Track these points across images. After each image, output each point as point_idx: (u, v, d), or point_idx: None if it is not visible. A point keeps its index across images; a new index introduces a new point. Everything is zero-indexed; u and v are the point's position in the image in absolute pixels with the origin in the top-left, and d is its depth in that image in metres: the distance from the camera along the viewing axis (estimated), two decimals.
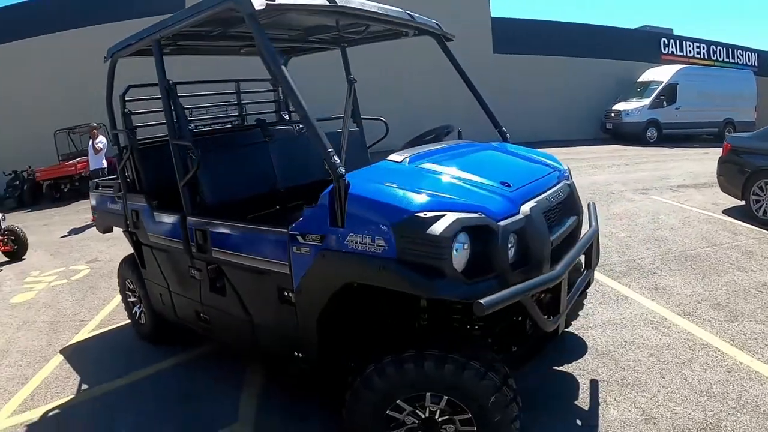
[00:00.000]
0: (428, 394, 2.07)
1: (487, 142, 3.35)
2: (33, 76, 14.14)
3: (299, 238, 2.29)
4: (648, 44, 19.61)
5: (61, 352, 4.10)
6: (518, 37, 17.61)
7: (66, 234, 8.58)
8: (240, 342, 3.06)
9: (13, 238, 6.95)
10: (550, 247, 2.29)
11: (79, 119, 12.55)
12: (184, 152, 2.97)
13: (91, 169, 9.66)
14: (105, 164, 9.50)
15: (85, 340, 4.32)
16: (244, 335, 2.87)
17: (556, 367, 3.23)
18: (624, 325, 3.72)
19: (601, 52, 18.45)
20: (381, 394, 2.10)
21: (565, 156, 14.09)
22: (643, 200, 7.86)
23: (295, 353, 2.55)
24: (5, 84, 13.98)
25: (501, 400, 2.03)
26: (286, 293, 2.46)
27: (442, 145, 3.06)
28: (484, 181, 2.38)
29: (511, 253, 2.14)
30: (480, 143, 3.30)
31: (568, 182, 2.85)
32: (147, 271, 3.75)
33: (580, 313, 3.70)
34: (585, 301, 3.64)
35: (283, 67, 2.27)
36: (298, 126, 4.90)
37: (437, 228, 1.96)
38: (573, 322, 3.64)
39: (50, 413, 3.27)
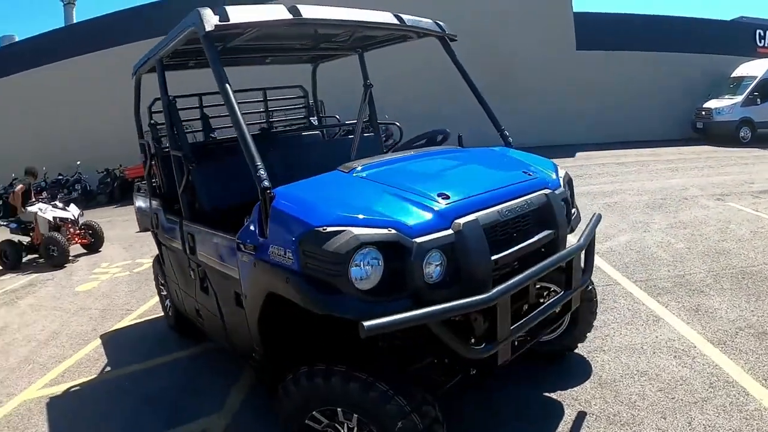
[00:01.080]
0: (339, 409, 2.02)
1: (486, 147, 3.21)
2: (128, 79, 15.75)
3: (241, 246, 2.36)
4: (742, 36, 17.46)
5: (101, 337, 4.54)
6: (602, 32, 16.46)
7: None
8: (219, 339, 3.21)
9: (90, 232, 7.81)
10: (490, 266, 2.12)
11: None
12: (180, 162, 3.16)
13: None
14: None
15: (124, 327, 4.75)
16: (221, 333, 3.01)
17: (547, 393, 2.99)
18: (642, 351, 3.35)
19: (691, 46, 16.69)
20: (296, 403, 2.09)
21: (644, 158, 13.30)
22: (717, 207, 7.00)
23: (253, 354, 2.62)
24: (105, 87, 15.31)
25: (409, 427, 1.92)
26: (239, 297, 2.54)
27: (410, 152, 2.98)
28: (419, 193, 2.22)
29: (437, 271, 2.01)
30: (459, 149, 3.17)
31: (548, 192, 2.57)
32: (166, 268, 4.05)
33: (591, 334, 3.40)
34: (608, 319, 3.32)
35: (228, 85, 2.34)
36: (326, 131, 5.05)
37: (333, 243, 1.89)
38: (580, 345, 3.35)
39: (71, 389, 3.66)
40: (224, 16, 2.45)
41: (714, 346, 3.32)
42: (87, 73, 15.51)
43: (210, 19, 2.42)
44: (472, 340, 2.18)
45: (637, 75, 16.32)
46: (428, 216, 2.09)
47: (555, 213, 2.52)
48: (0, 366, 4.15)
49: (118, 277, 6.39)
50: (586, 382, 3.07)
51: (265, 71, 4.69)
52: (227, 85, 2.35)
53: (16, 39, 22.58)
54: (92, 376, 3.82)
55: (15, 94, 15.96)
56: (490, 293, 2.02)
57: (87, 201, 13.51)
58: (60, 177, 14.28)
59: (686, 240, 5.61)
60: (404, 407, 1.95)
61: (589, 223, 2.83)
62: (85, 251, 7.89)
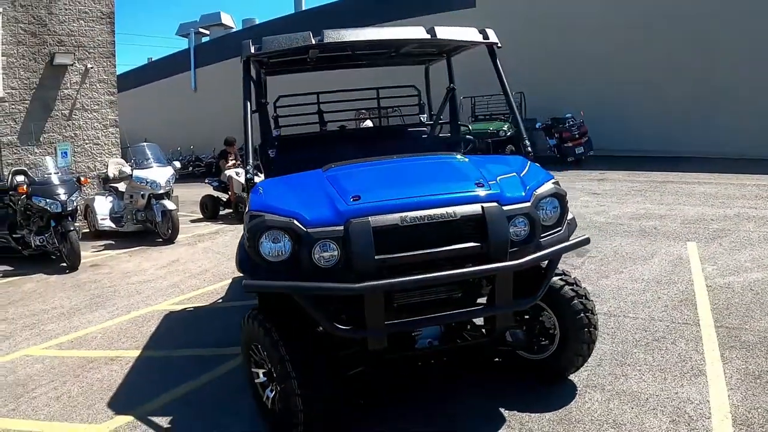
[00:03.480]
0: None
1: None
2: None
3: None
4: None
5: (233, 278, 5.93)
6: None
7: None
8: None
9: None
10: (372, 263, 2.34)
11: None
12: (264, 152, 4.09)
13: None
14: None
15: None
16: None
17: (502, 408, 2.90)
18: (642, 403, 2.86)
19: None
20: (244, 334, 2.79)
21: None
22: None
23: None
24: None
25: (287, 391, 2.46)
26: None
27: (393, 157, 3.24)
28: (340, 193, 2.60)
29: (331, 258, 2.41)
30: (438, 156, 3.26)
31: (489, 206, 2.52)
32: None
33: (609, 369, 3.13)
34: (647, 359, 3.17)
35: (248, 102, 3.19)
36: (431, 128, 5.32)
37: (251, 224, 2.49)
38: (583, 376, 3.11)
39: (186, 308, 5.06)
40: (257, 47, 3.27)
41: (733, 425, 2.64)
42: None
43: (247, 50, 3.29)
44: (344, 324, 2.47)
45: None
46: (329, 212, 2.49)
47: (487, 227, 2.49)
48: (153, 287, 5.94)
49: None
50: (551, 412, 2.85)
51: (393, 71, 5.24)
52: (247, 102, 3.19)
53: (257, 21, 27.67)
54: (205, 304, 5.18)
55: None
56: (356, 285, 2.31)
57: None
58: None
59: None
60: (290, 373, 2.43)
61: (552, 245, 2.66)
62: None
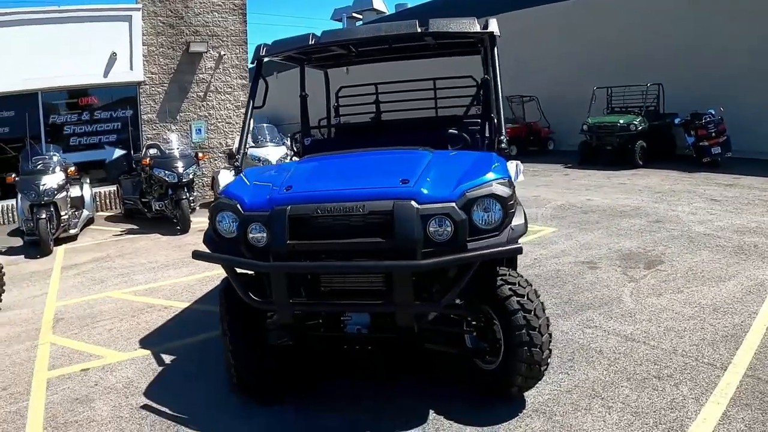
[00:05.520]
0: None
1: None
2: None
3: None
4: None
5: None
6: None
7: None
8: None
9: None
10: (284, 246, 2.57)
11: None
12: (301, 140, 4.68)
13: None
14: None
15: None
16: None
17: (434, 412, 2.84)
18: None
19: None
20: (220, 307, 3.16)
21: None
22: None
23: None
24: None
25: (228, 361, 3.00)
26: None
27: (355, 151, 3.38)
28: (282, 182, 2.89)
29: (262, 239, 2.71)
30: (394, 151, 3.20)
31: (400, 203, 2.50)
32: None
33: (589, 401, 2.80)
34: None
35: (251, 101, 3.63)
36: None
37: (212, 204, 3.02)
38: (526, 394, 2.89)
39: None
40: (268, 49, 3.72)
41: None
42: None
43: (257, 53, 3.73)
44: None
45: None
46: (263, 199, 2.77)
47: (395, 223, 2.49)
48: None
49: None
50: (475, 427, 2.70)
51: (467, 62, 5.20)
52: (251, 101, 3.65)
53: (408, 6, 27.65)
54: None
55: None
56: (262, 264, 2.61)
57: None
58: None
59: None
60: (228, 346, 2.89)
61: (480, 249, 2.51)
62: None
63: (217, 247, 2.91)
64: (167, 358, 3.78)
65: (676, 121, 12.10)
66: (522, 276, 2.83)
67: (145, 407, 3.11)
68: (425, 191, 2.58)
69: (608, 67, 14.88)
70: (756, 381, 2.98)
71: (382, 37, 3.57)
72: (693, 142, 11.33)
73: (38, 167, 7.51)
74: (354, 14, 35.41)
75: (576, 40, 16.47)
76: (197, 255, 2.90)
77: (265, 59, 3.75)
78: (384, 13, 33.81)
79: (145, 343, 4.09)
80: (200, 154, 9.43)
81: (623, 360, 3.31)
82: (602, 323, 3.89)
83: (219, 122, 12.17)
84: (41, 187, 7.19)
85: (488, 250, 2.49)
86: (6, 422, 3.05)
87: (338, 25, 34.95)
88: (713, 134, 10.99)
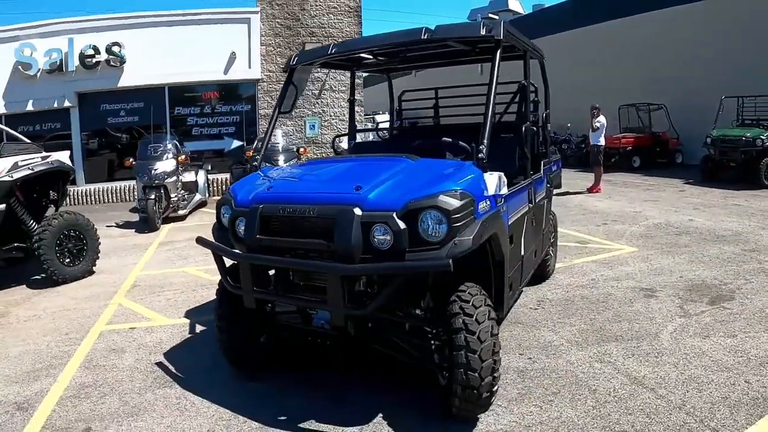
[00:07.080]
0: None
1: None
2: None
3: None
4: None
5: None
6: None
7: None
8: None
9: None
10: (254, 240, 2.87)
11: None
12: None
13: (591, 143, 11.32)
14: (602, 141, 11.01)
15: None
16: None
17: (380, 416, 2.91)
18: None
19: None
20: None
21: None
22: None
23: None
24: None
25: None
26: None
27: (346, 156, 3.51)
28: (268, 183, 3.19)
29: (245, 230, 2.98)
30: (374, 159, 3.27)
31: (342, 209, 2.61)
32: None
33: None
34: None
35: (277, 110, 3.99)
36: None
37: (222, 198, 3.37)
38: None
39: None
40: (296, 59, 4.09)
41: None
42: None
43: (290, 61, 4.11)
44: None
45: None
46: (248, 197, 3.11)
47: (335, 227, 2.61)
48: None
49: None
50: None
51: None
52: (279, 106, 4.01)
53: (545, 6, 26.78)
54: None
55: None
56: (234, 253, 2.97)
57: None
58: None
59: None
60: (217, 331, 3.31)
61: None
62: None
63: (218, 236, 3.29)
64: (198, 328, 4.33)
65: None
66: (483, 294, 2.72)
67: (158, 364, 3.67)
68: (372, 198, 2.64)
69: (747, 72, 12.86)
70: None
71: (392, 44, 3.65)
72: None
73: (153, 154, 8.84)
74: (490, 15, 34.85)
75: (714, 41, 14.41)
76: (199, 241, 3.30)
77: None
78: (519, 13, 32.79)
79: (189, 313, 4.70)
80: (302, 149, 10.20)
81: (612, 405, 2.96)
82: (618, 360, 3.50)
83: (333, 119, 13.00)
84: (153, 172, 8.49)
85: (412, 263, 2.48)
86: (56, 358, 3.85)
87: None
88: None
